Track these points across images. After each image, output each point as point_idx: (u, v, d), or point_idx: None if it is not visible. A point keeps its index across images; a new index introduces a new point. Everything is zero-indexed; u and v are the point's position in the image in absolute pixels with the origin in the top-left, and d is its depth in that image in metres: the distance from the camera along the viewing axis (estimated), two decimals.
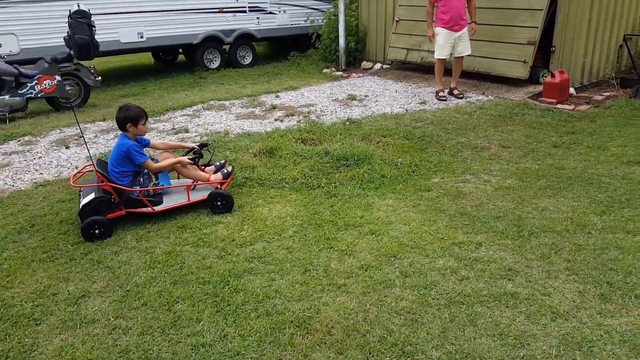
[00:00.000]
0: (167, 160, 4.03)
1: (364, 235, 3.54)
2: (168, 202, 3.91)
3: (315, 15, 11.78)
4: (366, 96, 7.72)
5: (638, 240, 3.34)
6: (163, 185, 4.01)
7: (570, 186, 4.28)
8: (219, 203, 3.87)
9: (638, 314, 2.57)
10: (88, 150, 4.40)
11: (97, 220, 3.53)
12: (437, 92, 7.35)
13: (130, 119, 3.75)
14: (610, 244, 3.30)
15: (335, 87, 8.61)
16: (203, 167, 4.27)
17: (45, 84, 6.11)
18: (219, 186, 4.02)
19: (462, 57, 7.07)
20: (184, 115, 7.10)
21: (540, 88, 7.21)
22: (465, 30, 6.89)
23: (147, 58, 13.25)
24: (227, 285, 2.96)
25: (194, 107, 7.48)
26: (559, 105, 6.75)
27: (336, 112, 6.93)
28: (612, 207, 3.85)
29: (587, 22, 7.31)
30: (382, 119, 6.43)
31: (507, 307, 2.66)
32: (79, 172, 4.08)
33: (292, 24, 12.17)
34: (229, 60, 11.26)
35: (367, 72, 9.86)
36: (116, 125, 3.95)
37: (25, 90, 6.16)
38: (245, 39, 11.47)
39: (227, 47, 11.28)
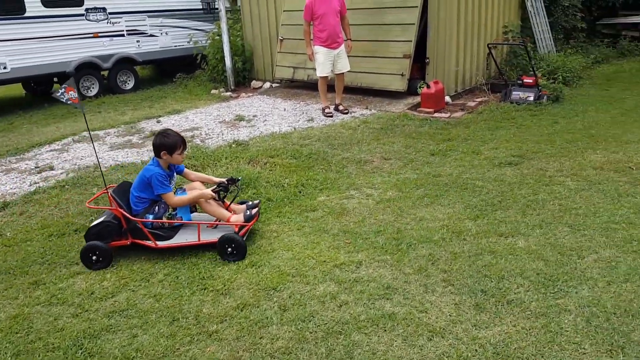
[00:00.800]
0: (191, 193, 3.67)
1: (243, 269, 3.32)
2: (178, 239, 3.56)
3: (198, 35, 11.46)
4: (254, 116, 7.55)
5: (509, 242, 3.47)
6: (180, 218, 3.64)
7: (447, 193, 4.41)
8: (229, 249, 3.42)
9: (510, 321, 2.61)
10: (102, 173, 4.27)
11: (96, 247, 3.34)
12: (323, 109, 7.37)
13: (166, 147, 3.48)
14: (484, 249, 3.39)
15: (224, 108, 8.34)
16: (229, 204, 3.89)
17: None
18: (237, 229, 3.57)
19: (343, 73, 7.18)
20: (51, 150, 6.42)
21: (418, 99, 7.51)
22: (342, 47, 7.01)
23: (17, 89, 12.02)
24: (81, 349, 2.57)
25: (64, 141, 6.81)
26: (436, 114, 7.07)
27: (222, 134, 6.67)
28: (485, 211, 4.00)
29: (455, 34, 7.79)
30: (270, 138, 6.29)
31: (385, 330, 2.58)
32: (97, 195, 3.91)
33: (175, 46, 11.72)
34: (109, 87, 10.53)
35: (256, 91, 9.71)
36: None
37: None
38: (126, 63, 10.81)
39: (106, 72, 10.55)
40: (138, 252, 3.56)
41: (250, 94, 9.42)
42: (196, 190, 3.73)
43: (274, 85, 9.85)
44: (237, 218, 3.66)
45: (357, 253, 3.42)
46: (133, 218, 3.46)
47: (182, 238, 3.55)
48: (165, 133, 3.55)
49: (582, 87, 8.53)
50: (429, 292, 2.90)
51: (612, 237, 3.43)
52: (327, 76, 7.11)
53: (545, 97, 7.28)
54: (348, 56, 7.15)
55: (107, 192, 3.55)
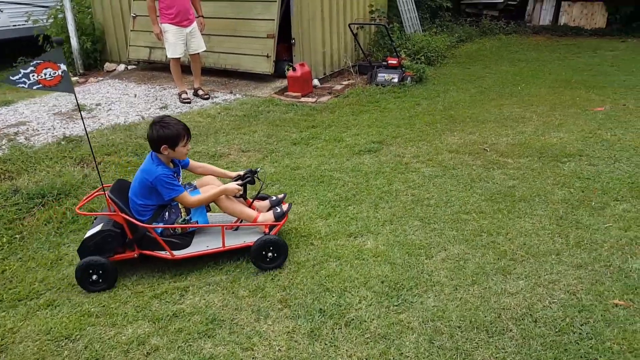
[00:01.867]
0: (211, 190, 3.01)
1: (35, 311, 2.63)
2: (197, 246, 2.96)
3: (39, 13, 9.87)
4: (98, 105, 6.57)
5: (358, 243, 3.17)
6: (196, 223, 2.99)
7: (302, 188, 4.03)
8: (269, 255, 2.87)
9: (346, 350, 2.26)
10: (99, 172, 3.15)
11: (95, 263, 2.72)
12: (179, 94, 6.63)
13: (167, 139, 2.78)
14: (331, 254, 3.05)
15: (64, 96, 7.19)
16: (251, 201, 3.23)
17: None
18: (267, 230, 3.02)
19: (198, 53, 6.47)
20: None
21: (287, 82, 7.07)
22: (194, 25, 6.29)
23: None
24: None
25: None
26: (303, 99, 6.69)
27: (54, 129, 5.67)
28: (338, 207, 3.67)
29: (319, 13, 7.42)
30: (111, 131, 5.45)
31: None
32: (88, 198, 3.04)
33: (14, 25, 10.00)
34: None
35: (109, 74, 8.58)
36: None
37: None
38: None
39: None
40: None
41: (102, 78, 8.29)
42: (212, 186, 3.10)
43: (129, 67, 8.79)
44: (266, 216, 3.08)
45: (185, 277, 2.89)
46: (143, 224, 2.82)
47: (202, 245, 2.96)
48: (162, 122, 2.82)
49: (446, 66, 8.70)
50: (261, 320, 2.48)
51: (462, 229, 3.28)
52: (179, 57, 6.35)
53: (409, 78, 7.23)
54: (207, 34, 6.45)
55: (105, 194, 2.83)
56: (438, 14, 11.29)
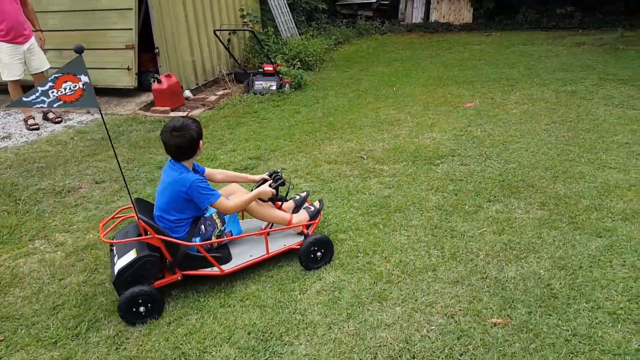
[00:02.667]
0: (245, 195, 2.84)
1: None
2: (241, 257, 2.80)
3: None
4: None
5: (223, 285, 2.78)
6: (230, 233, 2.82)
7: None
8: (319, 254, 2.85)
9: None
10: (128, 187, 2.64)
11: (142, 293, 2.40)
12: (25, 120, 5.73)
13: (191, 144, 2.55)
14: (192, 305, 2.63)
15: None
16: (280, 204, 3.06)
17: None
18: (305, 230, 2.95)
19: (43, 72, 5.63)
20: None
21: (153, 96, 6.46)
22: (33, 40, 5.46)
23: None
24: None
25: None
26: (172, 114, 6.13)
27: None
28: None
29: (184, 19, 6.89)
30: None
31: None
32: (111, 219, 2.83)
33: None
34: None
35: None
36: None
37: None
38: None
39: None
40: None
41: None
42: (241, 192, 2.95)
43: None
44: (300, 217, 3.00)
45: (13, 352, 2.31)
46: (187, 243, 2.60)
47: (245, 255, 2.82)
48: (182, 125, 2.54)
49: (325, 70, 8.60)
50: None
51: (338, 252, 3.03)
52: (18, 79, 5.47)
53: (287, 85, 6.97)
54: (58, 49, 5.63)
55: (136, 217, 2.51)
56: (314, 17, 11.23)
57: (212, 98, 6.75)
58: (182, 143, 2.52)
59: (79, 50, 2.28)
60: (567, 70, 7.30)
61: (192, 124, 2.58)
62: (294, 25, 9.86)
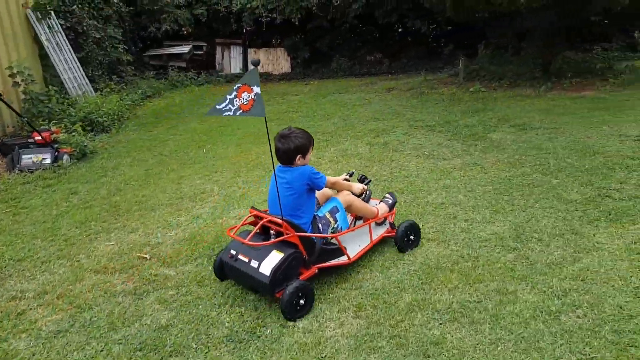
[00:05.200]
0: (355, 184, 3.28)
1: None
2: (351, 247, 3.08)
3: None
4: None
5: None
6: (340, 229, 3.04)
7: None
8: (412, 237, 3.23)
9: None
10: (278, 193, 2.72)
11: (301, 287, 2.61)
12: None
13: (302, 149, 2.90)
14: None
15: None
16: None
17: None
18: (389, 218, 3.35)
19: None
20: None
21: None
22: None
23: None
24: None
25: None
26: None
27: None
28: None
29: None
30: None
31: None
32: (243, 223, 2.96)
33: None
34: None
35: None
36: None
37: None
38: None
39: None
40: None
41: None
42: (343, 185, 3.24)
43: None
44: (382, 209, 3.35)
45: None
46: (323, 235, 2.91)
47: (354, 246, 3.11)
48: (291, 133, 2.90)
49: (125, 131, 7.38)
50: None
51: None
52: None
53: (66, 156, 5.63)
54: None
55: (282, 218, 2.70)
56: (117, 69, 9.94)
57: None
58: (288, 149, 2.87)
59: (256, 63, 2.25)
60: (380, 119, 7.26)
61: (299, 135, 2.89)
62: (87, 81, 8.45)
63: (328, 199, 3.18)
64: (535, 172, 4.47)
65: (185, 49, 11.91)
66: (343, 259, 2.94)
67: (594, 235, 3.20)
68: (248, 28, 13.00)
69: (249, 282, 2.79)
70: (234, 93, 2.45)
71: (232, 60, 12.99)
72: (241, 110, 2.45)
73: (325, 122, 7.29)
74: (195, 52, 12.17)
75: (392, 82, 11.41)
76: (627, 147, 4.96)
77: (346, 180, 3.33)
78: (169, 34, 11.69)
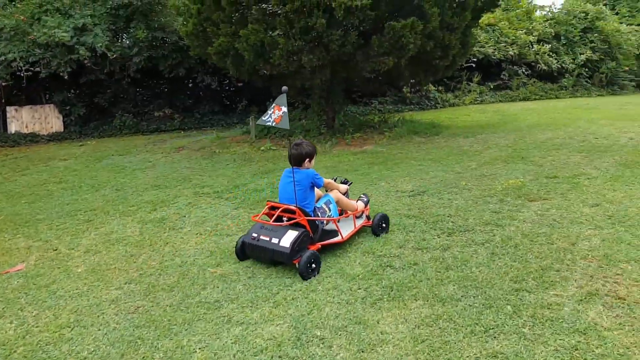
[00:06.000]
0: (342, 185, 4.32)
1: None
2: (343, 230, 4.01)
3: None
4: None
5: None
6: (333, 217, 3.99)
7: None
8: (383, 224, 4.22)
9: None
10: (295, 189, 3.59)
11: (313, 254, 3.50)
12: None
13: (309, 155, 3.87)
14: None
15: None
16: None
17: None
18: (366, 212, 4.32)
19: None
20: None
21: None
22: None
23: None
24: None
25: None
26: None
27: None
28: None
29: None
30: None
31: None
32: (264, 213, 3.80)
33: None
34: None
35: None
36: None
37: None
38: None
39: None
40: None
41: None
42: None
43: None
44: (360, 205, 4.29)
45: None
46: (326, 218, 3.89)
47: (344, 230, 3.99)
48: (302, 142, 3.88)
49: None
50: None
51: None
52: None
53: None
54: None
55: (295, 206, 3.65)
56: None
57: None
58: (299, 154, 3.82)
59: (285, 91, 3.49)
60: (161, 187, 6.42)
61: (308, 144, 3.90)
62: None
63: (322, 196, 4.07)
64: None
65: None
66: (337, 239, 3.88)
67: (378, 323, 2.88)
68: (4, 83, 10.92)
69: (269, 256, 3.58)
70: (272, 108, 3.53)
71: None
72: (274, 123, 3.50)
73: (92, 196, 6.12)
74: None
75: (183, 140, 10.67)
76: (403, 204, 5.08)
77: (342, 182, 4.44)
78: None
